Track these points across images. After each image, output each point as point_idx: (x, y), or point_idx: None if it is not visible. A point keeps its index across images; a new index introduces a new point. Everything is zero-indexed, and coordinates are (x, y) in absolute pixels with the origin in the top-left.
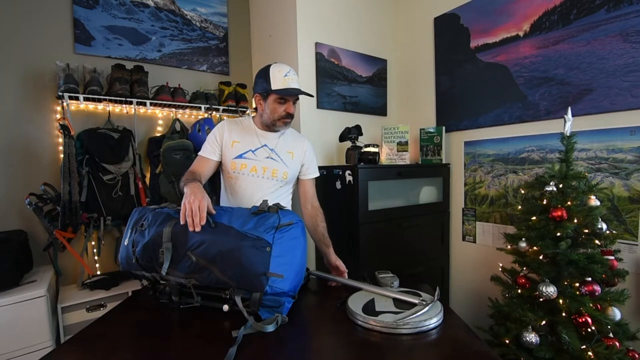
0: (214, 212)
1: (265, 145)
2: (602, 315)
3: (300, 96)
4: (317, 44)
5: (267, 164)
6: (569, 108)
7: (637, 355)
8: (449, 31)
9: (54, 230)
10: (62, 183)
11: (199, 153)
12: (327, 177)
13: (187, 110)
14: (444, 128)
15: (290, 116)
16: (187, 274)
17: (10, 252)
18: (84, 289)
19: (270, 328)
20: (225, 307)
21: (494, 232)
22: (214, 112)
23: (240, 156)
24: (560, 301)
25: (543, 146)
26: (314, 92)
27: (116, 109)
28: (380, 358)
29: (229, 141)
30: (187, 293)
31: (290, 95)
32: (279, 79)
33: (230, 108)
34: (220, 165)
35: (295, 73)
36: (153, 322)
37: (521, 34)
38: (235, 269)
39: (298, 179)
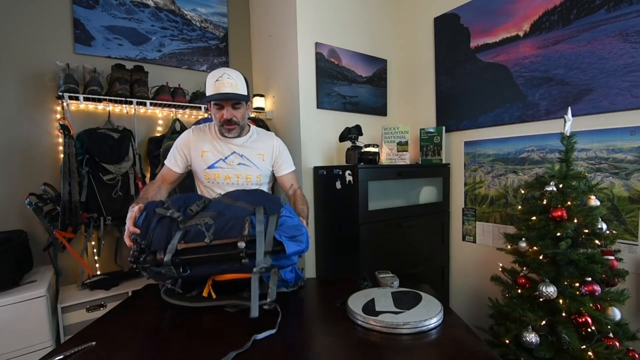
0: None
1: (235, 152)
2: (602, 315)
3: (300, 94)
4: (317, 44)
5: (240, 170)
6: (569, 108)
7: (637, 355)
8: (449, 31)
9: (54, 230)
10: (62, 183)
11: (165, 161)
12: (327, 177)
13: (187, 110)
14: (444, 128)
15: (229, 122)
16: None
17: (10, 252)
18: (84, 289)
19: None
20: (242, 244)
21: (494, 232)
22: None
23: (212, 166)
24: (560, 301)
25: (543, 146)
26: (314, 92)
27: (116, 109)
28: (380, 358)
29: (197, 151)
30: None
31: (210, 100)
32: (211, 85)
33: None
34: (193, 174)
35: (231, 75)
36: (153, 322)
37: (521, 34)
38: (256, 196)
39: (275, 176)
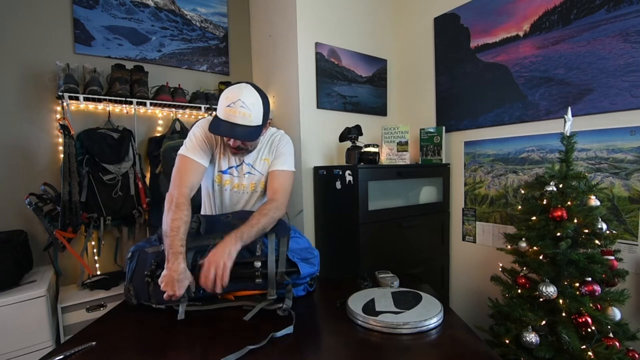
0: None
1: (243, 161)
2: (602, 315)
3: (300, 94)
4: (317, 44)
5: (247, 179)
6: (569, 108)
7: (637, 355)
8: (449, 31)
9: (54, 230)
10: (62, 183)
11: (185, 153)
12: (327, 177)
13: (187, 110)
14: (444, 128)
15: (238, 148)
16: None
17: (10, 252)
18: (84, 289)
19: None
20: (259, 281)
21: (494, 232)
22: (214, 112)
23: (225, 171)
24: (560, 301)
25: (543, 146)
26: (314, 92)
27: (116, 109)
28: (380, 358)
29: (219, 151)
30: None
31: (214, 133)
32: (222, 107)
33: None
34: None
35: (246, 104)
36: (153, 322)
37: (521, 34)
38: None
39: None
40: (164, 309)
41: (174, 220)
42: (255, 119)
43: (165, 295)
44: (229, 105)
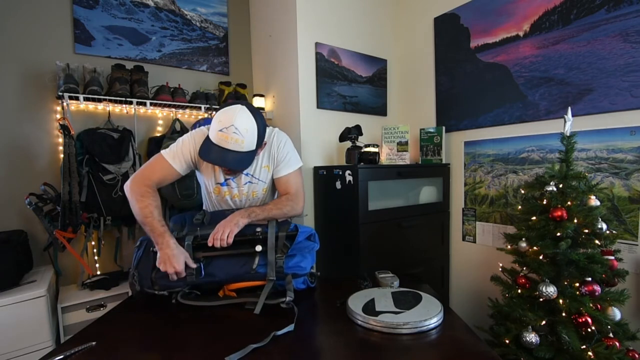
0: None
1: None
2: (602, 315)
3: (300, 94)
4: (317, 44)
5: (247, 188)
6: (569, 108)
7: (637, 355)
8: (449, 31)
9: (54, 230)
10: (62, 183)
11: (166, 156)
12: (327, 177)
13: (187, 110)
14: (444, 128)
15: (229, 171)
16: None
17: (10, 252)
18: (84, 289)
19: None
20: (259, 248)
21: (494, 232)
22: (214, 112)
23: (223, 183)
24: (560, 301)
25: (543, 146)
26: (314, 92)
27: (116, 109)
28: (380, 358)
29: (209, 164)
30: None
31: (205, 160)
32: (214, 130)
33: None
34: (196, 174)
35: (239, 130)
36: (153, 321)
37: (521, 34)
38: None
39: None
40: (167, 295)
41: (144, 208)
42: (248, 145)
43: (169, 273)
44: (221, 130)
